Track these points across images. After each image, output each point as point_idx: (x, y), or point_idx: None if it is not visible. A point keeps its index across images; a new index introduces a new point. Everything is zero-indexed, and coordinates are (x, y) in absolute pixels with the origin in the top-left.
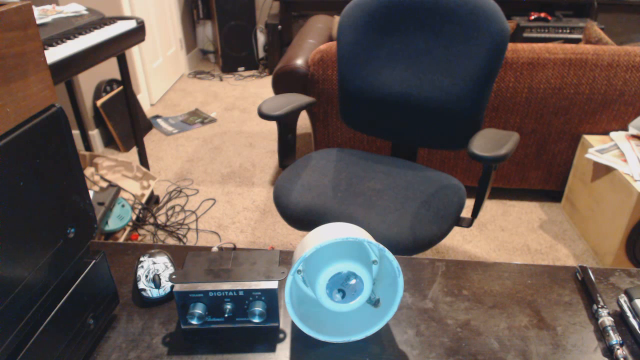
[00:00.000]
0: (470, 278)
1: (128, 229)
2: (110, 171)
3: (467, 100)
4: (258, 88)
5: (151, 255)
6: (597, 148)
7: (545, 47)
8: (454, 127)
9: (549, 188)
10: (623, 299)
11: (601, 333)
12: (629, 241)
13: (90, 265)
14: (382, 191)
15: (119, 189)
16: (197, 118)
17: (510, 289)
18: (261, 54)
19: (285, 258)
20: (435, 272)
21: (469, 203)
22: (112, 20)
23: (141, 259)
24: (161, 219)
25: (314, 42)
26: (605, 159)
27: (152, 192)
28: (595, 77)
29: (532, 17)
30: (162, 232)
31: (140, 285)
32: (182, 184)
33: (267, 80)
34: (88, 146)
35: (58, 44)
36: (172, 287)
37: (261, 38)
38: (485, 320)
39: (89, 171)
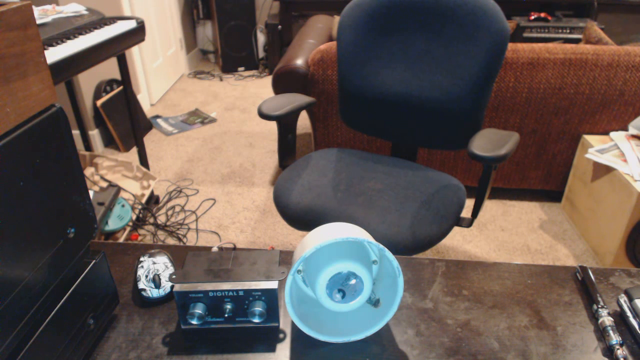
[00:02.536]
0: (470, 278)
1: (128, 229)
2: (110, 171)
3: (467, 100)
4: (258, 88)
5: (151, 255)
6: (597, 148)
7: (545, 47)
8: (454, 127)
9: (549, 188)
10: (623, 299)
11: (601, 333)
12: (629, 241)
13: (90, 265)
14: (382, 191)
15: (119, 189)
16: (197, 118)
17: (510, 289)
18: (261, 54)
19: (285, 258)
20: (435, 272)
21: (469, 203)
22: (112, 20)
23: (141, 259)
24: (161, 219)
25: (314, 42)
26: (605, 159)
27: (152, 192)
28: (595, 77)
29: (532, 17)
30: (162, 232)
31: (140, 285)
32: (182, 184)
33: (267, 80)
34: (88, 146)
35: (58, 44)
36: (172, 287)
37: (261, 38)
38: (485, 320)
39: (89, 171)
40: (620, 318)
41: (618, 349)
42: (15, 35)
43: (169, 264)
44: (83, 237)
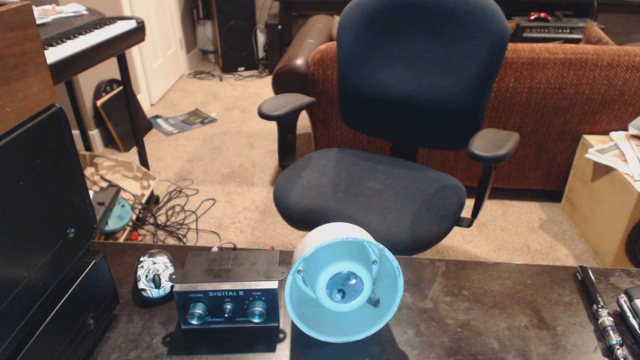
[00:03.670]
0: (470, 278)
1: (128, 229)
2: (110, 171)
3: (467, 100)
4: (258, 88)
5: (151, 255)
6: (597, 148)
7: (545, 47)
8: (454, 127)
9: (549, 188)
10: (623, 299)
11: (601, 333)
12: (629, 241)
13: (90, 265)
14: (382, 191)
15: (119, 189)
16: (197, 118)
17: (510, 289)
18: (261, 54)
19: (285, 258)
20: (435, 272)
21: (469, 203)
22: (112, 20)
23: (141, 259)
24: (161, 219)
25: (314, 42)
26: (605, 159)
27: (152, 192)
28: (595, 77)
29: (532, 17)
30: (162, 232)
31: (140, 285)
32: (182, 184)
33: (267, 80)
34: (88, 146)
35: (58, 44)
36: (172, 287)
37: (261, 38)
38: (485, 320)
39: (89, 171)
40: (620, 318)
41: (618, 349)
42: (15, 35)
43: (169, 264)
44: (83, 237)
